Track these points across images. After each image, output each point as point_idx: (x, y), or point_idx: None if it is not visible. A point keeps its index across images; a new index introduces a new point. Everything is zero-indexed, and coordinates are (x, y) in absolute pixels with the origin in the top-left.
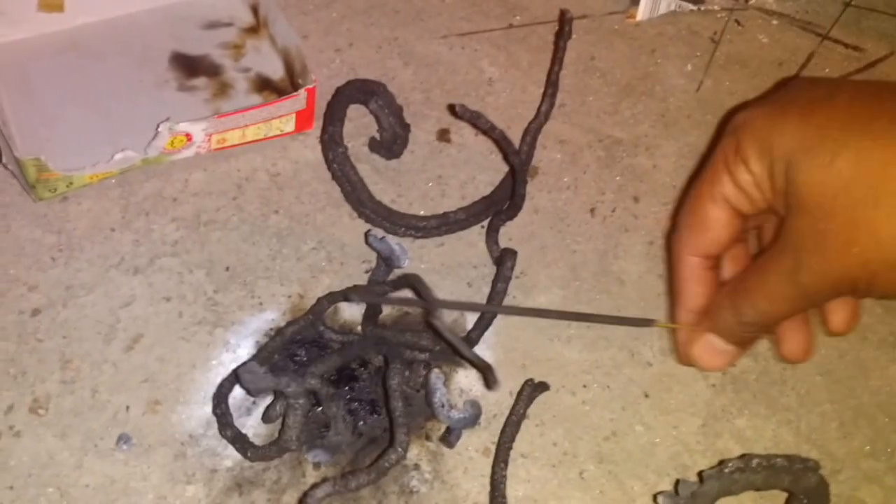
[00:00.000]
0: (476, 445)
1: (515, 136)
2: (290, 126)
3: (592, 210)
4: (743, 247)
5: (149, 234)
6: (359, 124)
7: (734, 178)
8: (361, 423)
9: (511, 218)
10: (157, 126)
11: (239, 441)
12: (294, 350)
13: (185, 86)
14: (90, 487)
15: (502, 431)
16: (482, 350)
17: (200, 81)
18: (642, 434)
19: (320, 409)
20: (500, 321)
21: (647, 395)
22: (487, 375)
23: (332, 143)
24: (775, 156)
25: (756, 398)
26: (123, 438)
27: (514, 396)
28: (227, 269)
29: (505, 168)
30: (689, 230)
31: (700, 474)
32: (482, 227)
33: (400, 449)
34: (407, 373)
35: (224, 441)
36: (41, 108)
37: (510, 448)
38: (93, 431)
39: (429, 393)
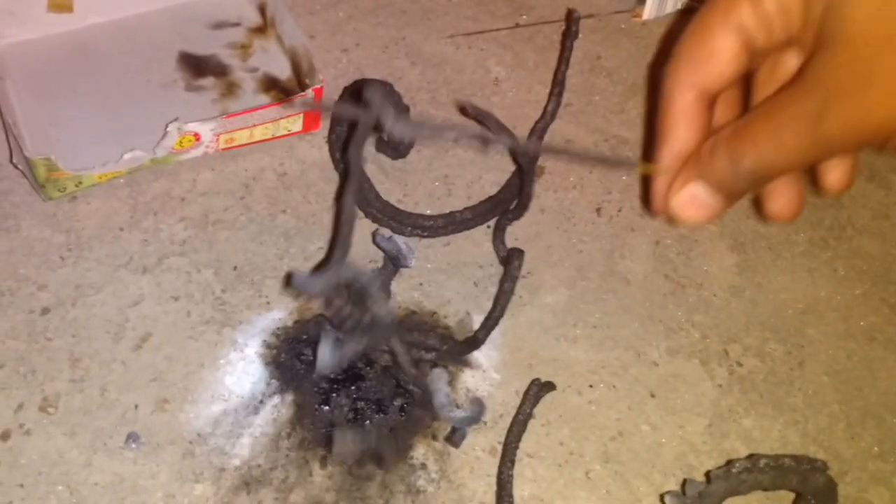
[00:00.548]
0: (482, 445)
1: (522, 135)
2: (297, 126)
3: (598, 210)
4: (739, 91)
5: (157, 234)
6: None
7: (756, 2)
8: (368, 422)
9: (518, 217)
10: (166, 126)
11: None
12: (301, 349)
13: (193, 86)
14: (99, 486)
15: (509, 431)
16: (489, 350)
17: (208, 81)
18: (648, 434)
19: (326, 408)
20: (507, 321)
21: (653, 395)
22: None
23: (339, 143)
24: None
25: (763, 398)
26: (132, 437)
27: (521, 396)
28: (235, 268)
29: (511, 167)
30: (690, 61)
31: (708, 474)
32: (488, 226)
33: None
34: (414, 371)
35: (232, 440)
36: (50, 107)
37: (516, 448)
38: (102, 430)
39: (431, 392)
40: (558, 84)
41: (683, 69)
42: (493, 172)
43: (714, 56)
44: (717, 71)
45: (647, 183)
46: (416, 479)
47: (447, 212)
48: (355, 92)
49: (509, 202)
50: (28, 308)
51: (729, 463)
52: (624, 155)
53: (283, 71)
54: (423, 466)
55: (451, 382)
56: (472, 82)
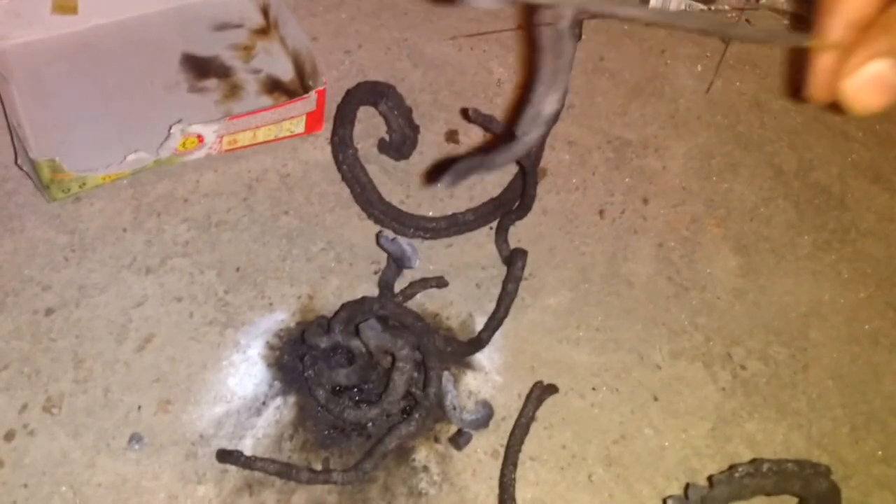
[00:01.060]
0: (485, 448)
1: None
2: (300, 128)
3: (601, 212)
4: None
5: (160, 235)
6: (368, 125)
7: None
8: (370, 425)
9: (520, 218)
10: (170, 128)
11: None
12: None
13: (196, 87)
14: (102, 486)
15: (511, 434)
16: (492, 352)
17: (211, 83)
18: (651, 437)
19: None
20: (509, 323)
21: (656, 399)
22: None
23: (342, 145)
24: None
25: (766, 402)
26: (135, 438)
27: (523, 399)
28: (238, 269)
29: (513, 170)
30: None
31: (710, 478)
32: (491, 228)
33: None
34: (415, 374)
35: (234, 441)
36: (55, 108)
37: (519, 451)
38: (105, 431)
39: (441, 395)
40: None
41: None
42: (496, 175)
43: None
44: None
45: (799, 61)
46: (418, 481)
47: (450, 213)
48: (357, 95)
49: (512, 203)
50: (32, 309)
51: (732, 467)
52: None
53: (286, 72)
54: (426, 469)
55: (455, 384)
56: (474, 84)
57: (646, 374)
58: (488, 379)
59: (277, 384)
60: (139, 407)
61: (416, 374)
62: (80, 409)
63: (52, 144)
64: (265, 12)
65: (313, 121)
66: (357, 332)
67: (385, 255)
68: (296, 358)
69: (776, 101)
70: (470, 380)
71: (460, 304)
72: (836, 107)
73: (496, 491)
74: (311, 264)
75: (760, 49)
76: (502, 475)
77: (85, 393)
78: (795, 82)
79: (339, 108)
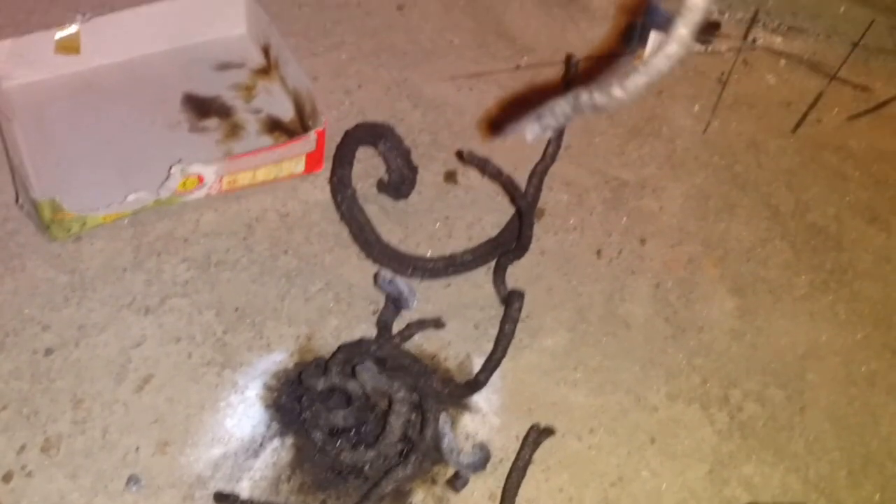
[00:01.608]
0: (482, 491)
1: (522, 178)
2: (300, 167)
3: (599, 252)
4: None
5: (160, 275)
6: (367, 165)
7: None
8: (367, 467)
9: (518, 258)
10: (170, 168)
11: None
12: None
13: (197, 126)
14: None
15: (508, 477)
16: (489, 393)
17: (212, 122)
18: (648, 480)
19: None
20: (507, 364)
21: (653, 441)
22: None
23: (340, 185)
24: None
25: (763, 445)
26: (133, 480)
27: (520, 441)
28: (237, 309)
29: (511, 209)
30: None
31: None
32: (489, 268)
33: None
34: (413, 416)
35: (231, 483)
36: (57, 148)
37: (516, 494)
38: (103, 472)
39: (438, 437)
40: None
41: None
42: (494, 214)
43: None
44: None
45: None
46: None
47: (448, 254)
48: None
49: (509, 244)
50: (32, 348)
51: None
52: None
53: (286, 112)
54: None
55: (452, 426)
56: (472, 124)
57: (643, 416)
58: (486, 420)
59: (275, 425)
60: (137, 448)
61: (413, 416)
62: (78, 450)
63: (53, 183)
64: (266, 52)
65: (313, 161)
66: (354, 374)
67: (383, 295)
68: (293, 399)
69: (773, 141)
70: (467, 421)
71: (458, 344)
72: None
73: None
74: (310, 304)
75: (758, 89)
76: None
77: (83, 434)
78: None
79: (338, 148)
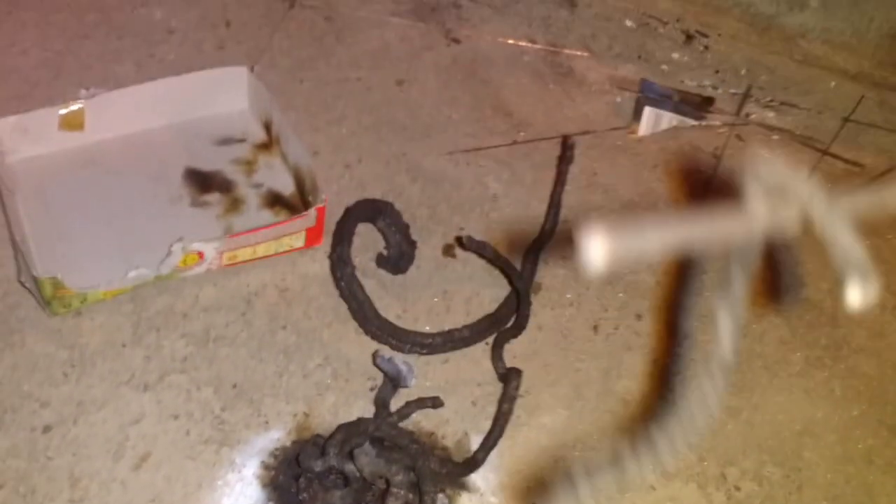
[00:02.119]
0: None
1: (519, 252)
2: (299, 242)
3: (595, 327)
4: None
5: (159, 351)
6: (367, 239)
7: None
8: None
9: (515, 336)
10: (171, 245)
11: None
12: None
13: (199, 201)
14: None
15: None
16: (487, 472)
17: (213, 197)
18: None
19: None
20: (504, 442)
21: None
22: None
23: (340, 262)
24: None
25: None
26: None
27: None
28: (235, 386)
29: (508, 286)
30: None
31: None
32: (487, 343)
33: None
34: (411, 496)
35: None
36: (59, 222)
37: None
38: None
39: None
40: (554, 205)
41: None
42: (492, 289)
43: None
44: None
45: None
46: None
47: (446, 329)
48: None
49: (507, 319)
50: (30, 426)
51: None
52: None
53: (286, 187)
54: None
55: None
56: (470, 198)
57: (640, 496)
58: (483, 501)
59: None
60: None
61: (411, 496)
62: None
63: (55, 258)
64: (267, 128)
65: (313, 236)
66: (352, 456)
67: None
68: (291, 478)
69: None
70: (465, 502)
71: (456, 422)
72: None
73: None
74: (308, 381)
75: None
76: None
77: None
78: None
79: (338, 225)
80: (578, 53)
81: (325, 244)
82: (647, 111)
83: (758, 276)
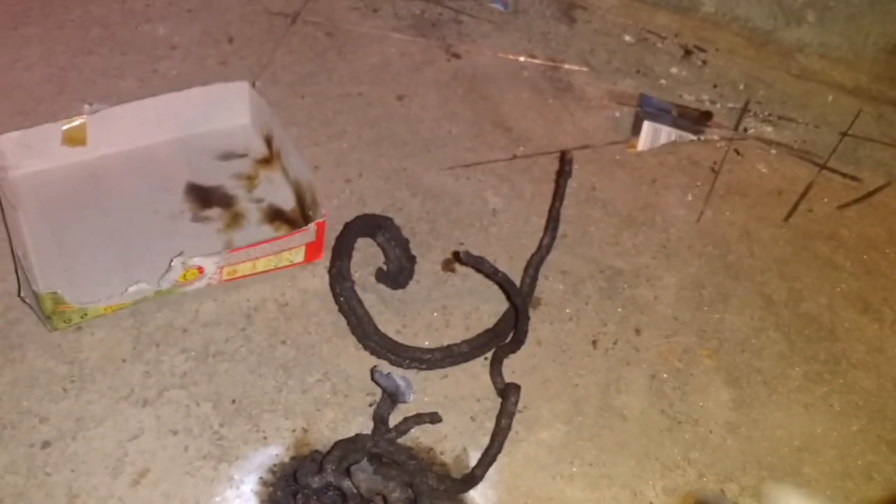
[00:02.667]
0: None
1: (518, 266)
2: (299, 257)
3: (594, 342)
4: None
5: (159, 366)
6: (367, 254)
7: None
8: None
9: (514, 351)
10: (171, 260)
11: None
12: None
13: (199, 216)
14: None
15: None
16: (485, 488)
17: (214, 212)
18: None
19: None
20: (503, 458)
21: None
22: None
23: (339, 277)
24: None
25: None
26: None
27: None
28: (234, 401)
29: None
30: None
31: None
32: (486, 358)
33: None
34: None
35: None
36: (60, 237)
37: None
38: None
39: None
40: (553, 220)
41: None
42: (491, 303)
43: None
44: None
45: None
46: None
47: (445, 344)
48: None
49: (506, 334)
50: (29, 441)
51: None
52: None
53: (287, 202)
54: None
55: None
56: (470, 213)
57: None
58: None
59: None
60: None
61: None
62: None
63: (56, 273)
64: (269, 143)
65: (313, 251)
66: (349, 473)
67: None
68: (289, 494)
69: (765, 230)
70: None
71: (455, 437)
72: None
73: None
74: (307, 396)
75: (749, 178)
76: None
77: None
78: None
79: (337, 240)
80: (577, 68)
81: (325, 259)
82: (646, 126)
83: None
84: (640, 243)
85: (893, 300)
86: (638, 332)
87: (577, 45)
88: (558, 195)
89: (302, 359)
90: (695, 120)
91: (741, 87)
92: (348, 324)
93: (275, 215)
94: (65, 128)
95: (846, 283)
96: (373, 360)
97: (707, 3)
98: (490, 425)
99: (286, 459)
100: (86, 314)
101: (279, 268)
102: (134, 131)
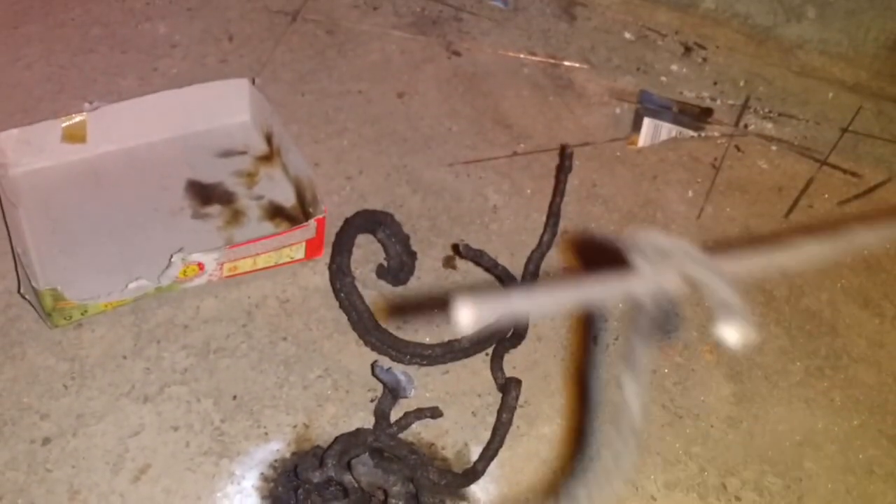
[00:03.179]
0: None
1: (519, 263)
2: (300, 254)
3: (596, 338)
4: None
5: (159, 362)
6: (367, 251)
7: None
8: None
9: (515, 346)
10: (171, 256)
11: None
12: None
13: (200, 213)
14: None
15: None
16: (487, 483)
17: (214, 209)
18: None
19: None
20: (504, 452)
21: None
22: None
23: (339, 273)
24: None
25: None
26: None
27: None
28: (235, 397)
29: None
30: None
31: None
32: (487, 354)
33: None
34: None
35: None
36: (61, 234)
37: None
38: None
39: None
40: (553, 215)
41: None
42: None
43: None
44: None
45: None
46: None
47: (446, 340)
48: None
49: (507, 330)
50: (29, 438)
51: None
52: None
53: (287, 199)
54: None
55: None
56: (470, 210)
57: None
58: None
59: None
60: None
61: None
62: None
63: (56, 270)
64: (269, 140)
65: (313, 247)
66: (350, 467)
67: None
68: (290, 490)
69: (765, 226)
70: None
71: (456, 432)
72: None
73: None
74: (308, 392)
75: (750, 174)
76: None
77: None
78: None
79: (337, 236)
80: (578, 66)
81: (326, 255)
82: (647, 122)
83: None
84: None
85: (894, 295)
86: None
87: (577, 43)
88: (558, 190)
89: (303, 355)
90: (695, 116)
91: (741, 83)
92: (349, 320)
93: (275, 212)
94: (65, 125)
95: (847, 279)
96: (374, 356)
97: (707, 0)
98: (491, 420)
99: (287, 455)
100: (86, 311)
101: (280, 264)
102: (134, 128)
